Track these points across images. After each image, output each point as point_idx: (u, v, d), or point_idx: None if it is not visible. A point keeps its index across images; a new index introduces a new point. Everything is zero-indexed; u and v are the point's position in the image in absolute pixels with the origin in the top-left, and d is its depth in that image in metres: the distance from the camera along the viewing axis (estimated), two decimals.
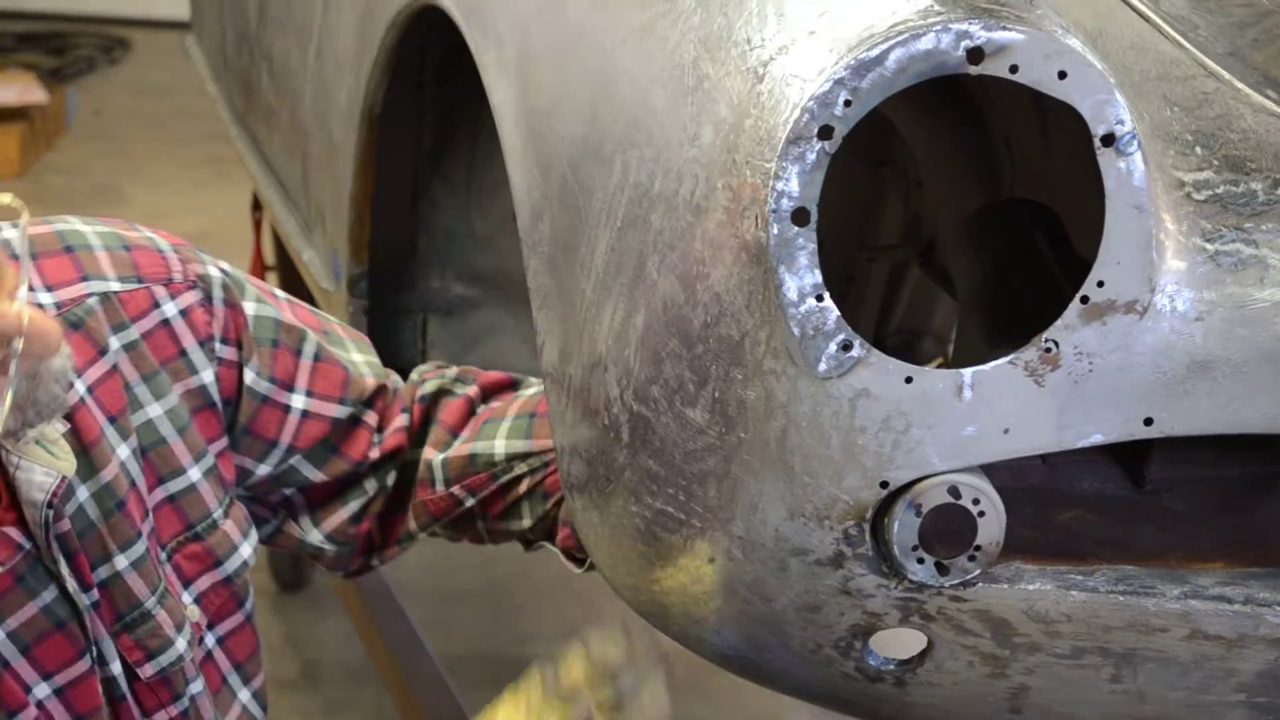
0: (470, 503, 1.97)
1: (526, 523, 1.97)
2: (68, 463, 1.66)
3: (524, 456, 1.94)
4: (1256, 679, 1.61)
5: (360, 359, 1.98)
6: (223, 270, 1.89)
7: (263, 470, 1.93)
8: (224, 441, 1.86)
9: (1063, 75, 1.40)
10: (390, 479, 2.00)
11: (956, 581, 1.54)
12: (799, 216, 1.41)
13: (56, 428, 1.67)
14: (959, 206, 1.88)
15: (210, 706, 1.83)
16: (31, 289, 1.60)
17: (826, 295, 1.43)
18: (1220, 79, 1.63)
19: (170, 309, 1.81)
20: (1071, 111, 1.41)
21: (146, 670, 1.76)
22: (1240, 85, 1.62)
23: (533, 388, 2.04)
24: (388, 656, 3.17)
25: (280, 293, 1.98)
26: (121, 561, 1.73)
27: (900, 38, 1.38)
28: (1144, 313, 1.46)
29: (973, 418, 1.47)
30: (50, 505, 1.64)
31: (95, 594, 1.72)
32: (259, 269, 4.20)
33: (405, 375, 2.08)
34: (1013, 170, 1.80)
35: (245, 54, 3.62)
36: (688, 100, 1.50)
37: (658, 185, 1.52)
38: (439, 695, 3.01)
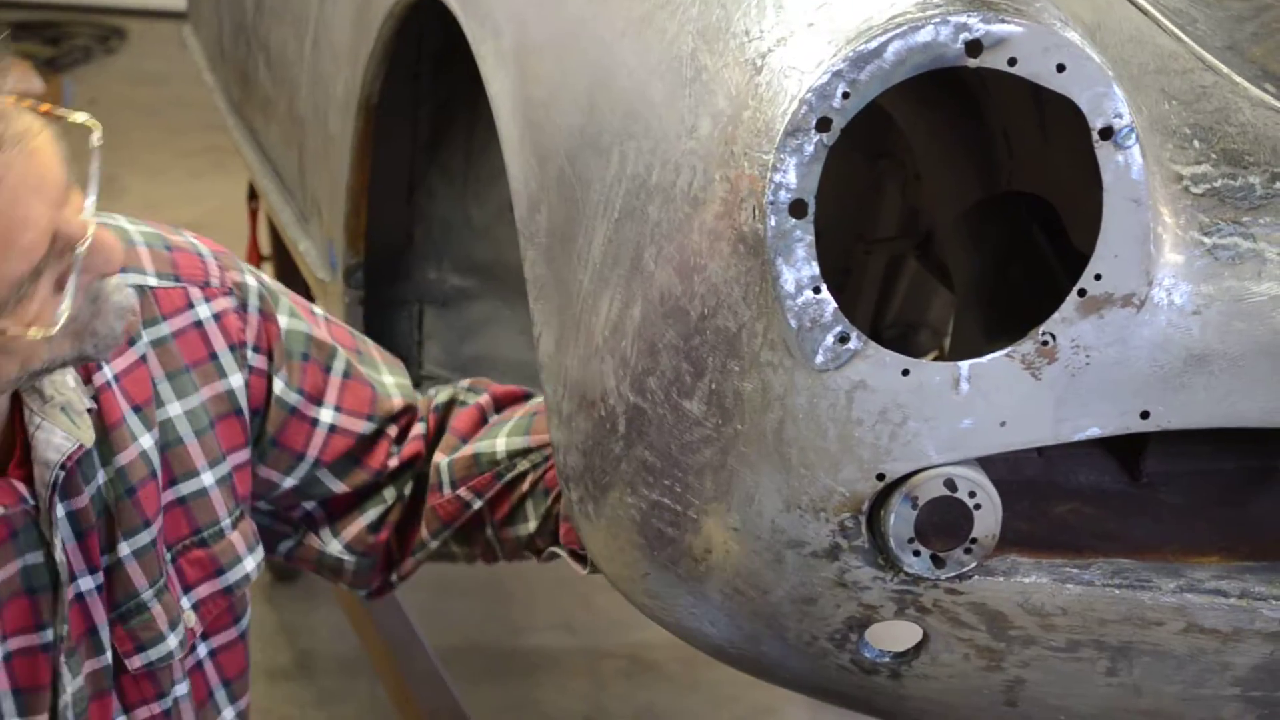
0: (477, 504, 1.97)
1: (532, 524, 1.97)
2: (87, 434, 1.68)
3: (525, 453, 1.95)
4: (1252, 672, 1.61)
5: (391, 381, 2.01)
6: (260, 281, 1.91)
7: (289, 483, 1.95)
8: (245, 454, 1.87)
9: (1061, 68, 1.40)
10: (408, 488, 2.01)
11: (952, 574, 1.54)
12: (797, 208, 1.41)
13: (85, 403, 1.69)
14: (957, 199, 1.88)
15: (191, 713, 1.83)
16: None
17: (824, 287, 1.43)
18: (1219, 73, 1.63)
19: (204, 311, 1.83)
20: (1070, 104, 1.41)
21: (134, 662, 1.76)
22: (1238, 79, 1.62)
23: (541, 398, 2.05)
24: (382, 647, 3.17)
25: (318, 310, 2.01)
26: (125, 549, 1.74)
27: (899, 30, 1.38)
28: (1141, 306, 1.46)
29: (969, 410, 1.47)
30: (63, 468, 1.65)
31: (100, 577, 1.73)
32: (255, 259, 4.20)
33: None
34: (1011, 163, 1.80)
35: (242, 44, 3.61)
36: (686, 92, 1.50)
37: (655, 177, 1.52)
38: (432, 686, 3.02)
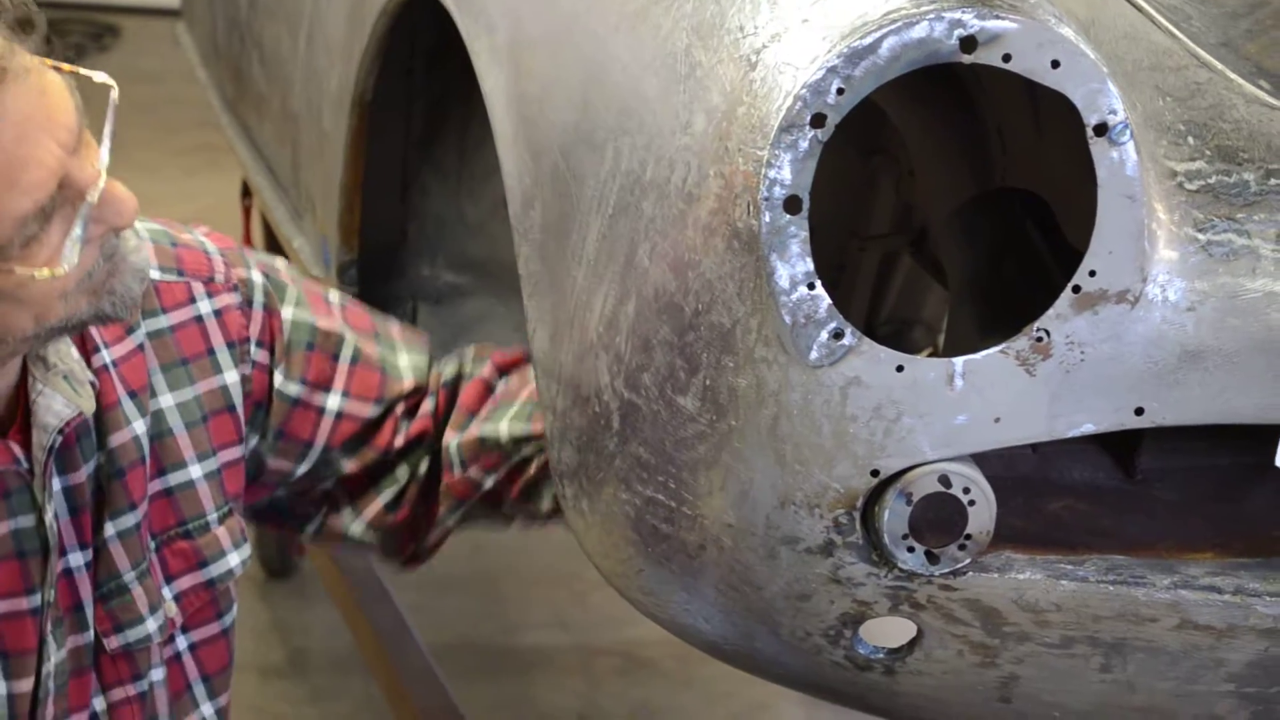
0: (489, 483, 1.98)
1: (546, 505, 1.98)
2: (88, 403, 1.69)
3: (528, 439, 1.95)
4: (1246, 669, 1.61)
5: (406, 362, 2.02)
6: (268, 275, 1.92)
7: (302, 469, 1.97)
8: (237, 452, 1.87)
9: (1056, 64, 1.40)
10: (423, 465, 2.02)
11: (946, 570, 1.54)
12: (791, 204, 1.41)
13: (88, 373, 1.71)
14: (951, 195, 1.88)
15: (166, 703, 1.83)
16: None
17: (818, 283, 1.43)
18: (1213, 69, 1.63)
19: (205, 307, 1.84)
20: (1064, 101, 1.41)
21: (112, 642, 1.77)
22: (1233, 76, 1.62)
23: None
24: (375, 644, 3.17)
25: (334, 296, 2.02)
26: (110, 529, 1.75)
27: (893, 26, 1.38)
28: (1135, 302, 1.46)
29: (964, 407, 1.47)
30: (61, 432, 1.66)
31: (90, 554, 1.74)
32: None
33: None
34: (1005, 159, 1.80)
35: (236, 41, 3.61)
36: (680, 88, 1.50)
37: (650, 173, 1.52)
38: (426, 683, 3.01)
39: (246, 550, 1.89)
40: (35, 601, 1.71)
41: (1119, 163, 1.42)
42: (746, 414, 1.49)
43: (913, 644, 1.61)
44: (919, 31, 1.38)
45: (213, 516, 1.84)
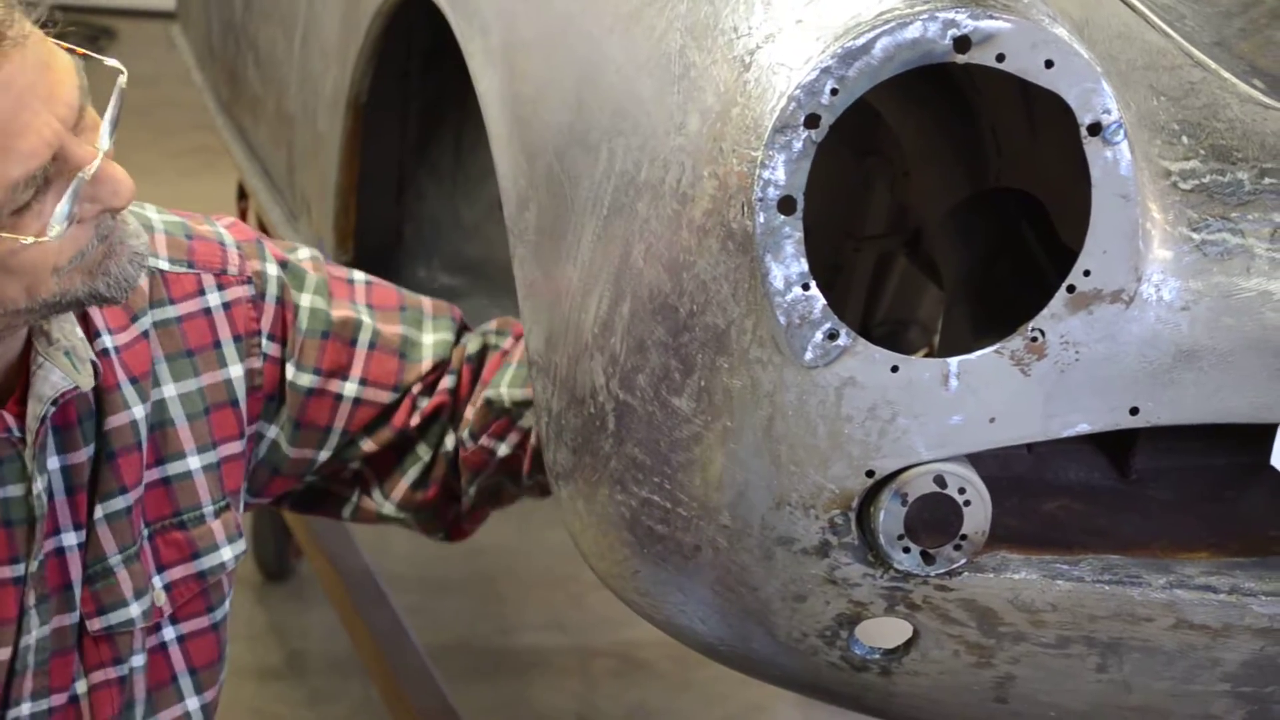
0: (502, 450, 1.98)
1: None
2: (86, 379, 1.70)
3: (527, 404, 1.95)
4: (1242, 668, 1.61)
5: (429, 340, 2.01)
6: (285, 265, 1.93)
7: (324, 455, 1.98)
8: (238, 447, 1.88)
9: (1049, 64, 1.40)
10: (447, 442, 2.02)
11: (942, 570, 1.54)
12: (785, 205, 1.41)
13: (91, 352, 1.72)
14: (946, 196, 1.88)
15: (144, 690, 1.83)
16: None
17: (813, 284, 1.43)
18: (1207, 68, 1.63)
19: (214, 299, 1.86)
20: (1058, 100, 1.41)
21: (94, 624, 1.78)
22: (1226, 75, 1.62)
23: None
24: (373, 646, 3.17)
25: (359, 276, 2.03)
26: (99, 512, 1.76)
27: (887, 26, 1.38)
28: (1130, 302, 1.46)
29: (959, 407, 1.47)
30: (55, 403, 1.68)
31: (83, 535, 1.75)
32: None
33: None
34: (999, 159, 1.80)
35: (231, 43, 3.61)
36: (674, 88, 1.50)
37: (644, 173, 1.52)
38: (424, 685, 3.01)
39: (241, 545, 1.90)
40: (18, 571, 1.71)
41: (1113, 162, 1.42)
42: (741, 415, 1.49)
43: (909, 644, 1.60)
44: (912, 32, 1.38)
45: (209, 509, 1.85)
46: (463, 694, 3.19)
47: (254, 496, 1.99)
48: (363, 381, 1.96)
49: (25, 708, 1.75)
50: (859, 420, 1.47)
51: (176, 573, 1.84)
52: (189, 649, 1.88)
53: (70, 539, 1.74)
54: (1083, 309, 1.45)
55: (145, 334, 1.79)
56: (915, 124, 1.97)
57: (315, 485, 2.05)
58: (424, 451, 2.02)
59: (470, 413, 1.99)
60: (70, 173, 1.54)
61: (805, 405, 1.47)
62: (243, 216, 4.19)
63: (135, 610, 1.79)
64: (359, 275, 2.04)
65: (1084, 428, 1.51)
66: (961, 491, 1.50)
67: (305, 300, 1.93)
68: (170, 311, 1.83)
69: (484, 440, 1.98)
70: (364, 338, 1.97)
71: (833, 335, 1.44)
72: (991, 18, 1.38)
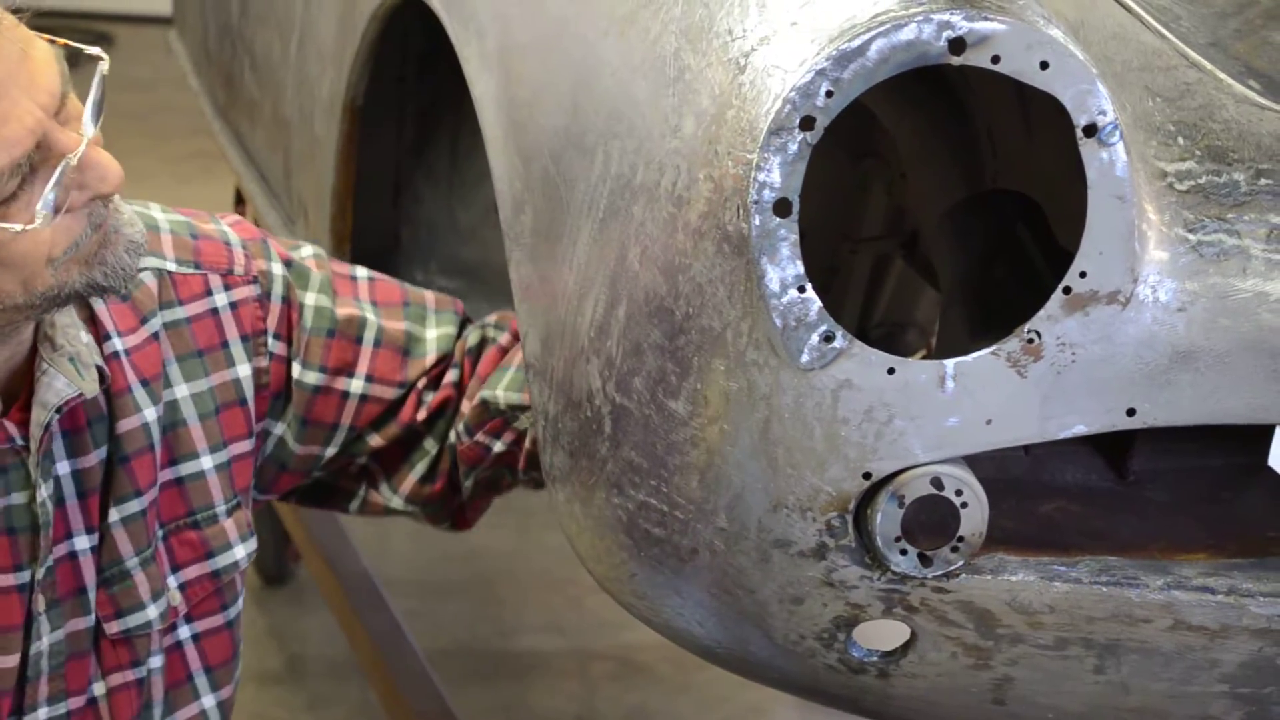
0: (497, 447, 1.99)
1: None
2: (90, 385, 1.70)
3: (523, 408, 1.96)
4: (1240, 670, 1.61)
5: (433, 335, 2.02)
6: (290, 264, 1.94)
7: (330, 451, 1.99)
8: (247, 445, 1.89)
9: (1045, 66, 1.40)
10: (452, 436, 2.02)
11: (939, 573, 1.54)
12: (781, 207, 1.41)
13: (96, 357, 1.72)
14: (942, 198, 1.88)
15: (161, 690, 1.84)
16: None
17: (809, 286, 1.43)
18: (1202, 69, 1.62)
19: (221, 299, 1.86)
20: (1054, 102, 1.41)
21: (112, 627, 1.78)
22: (1222, 76, 1.62)
23: None
24: (371, 650, 3.16)
25: (362, 272, 2.04)
26: (114, 515, 1.76)
27: (882, 28, 1.38)
28: (1126, 303, 1.46)
29: (955, 409, 1.47)
30: (59, 411, 1.67)
31: (96, 539, 1.75)
32: None
33: None
34: (995, 161, 1.80)
35: (227, 48, 3.61)
36: (669, 91, 1.50)
37: (639, 176, 1.51)
38: (423, 688, 3.01)
39: (253, 544, 1.91)
40: (24, 578, 1.71)
41: (1109, 163, 1.42)
42: (738, 418, 1.49)
43: (906, 647, 1.60)
44: (907, 34, 1.38)
45: (221, 509, 1.86)
46: (462, 697, 3.19)
47: (261, 493, 1.99)
48: (369, 378, 1.97)
49: (42, 712, 1.75)
50: (855, 422, 1.47)
51: (191, 572, 1.85)
52: (204, 647, 1.89)
53: (83, 543, 1.74)
54: (1079, 310, 1.45)
55: (155, 335, 1.80)
56: (911, 126, 1.97)
57: (322, 480, 2.06)
58: (431, 445, 2.03)
59: (466, 408, 2.00)
60: (55, 160, 1.54)
61: (802, 408, 1.47)
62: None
63: (153, 612, 1.80)
64: (362, 271, 2.04)
65: (1081, 429, 1.51)
66: (958, 493, 1.50)
67: (310, 299, 1.94)
68: (179, 313, 1.83)
69: (479, 437, 1.99)
70: (369, 335, 1.97)
71: (829, 338, 1.44)
72: (986, 19, 1.38)
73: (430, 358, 2.01)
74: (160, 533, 1.81)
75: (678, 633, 1.69)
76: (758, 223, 1.41)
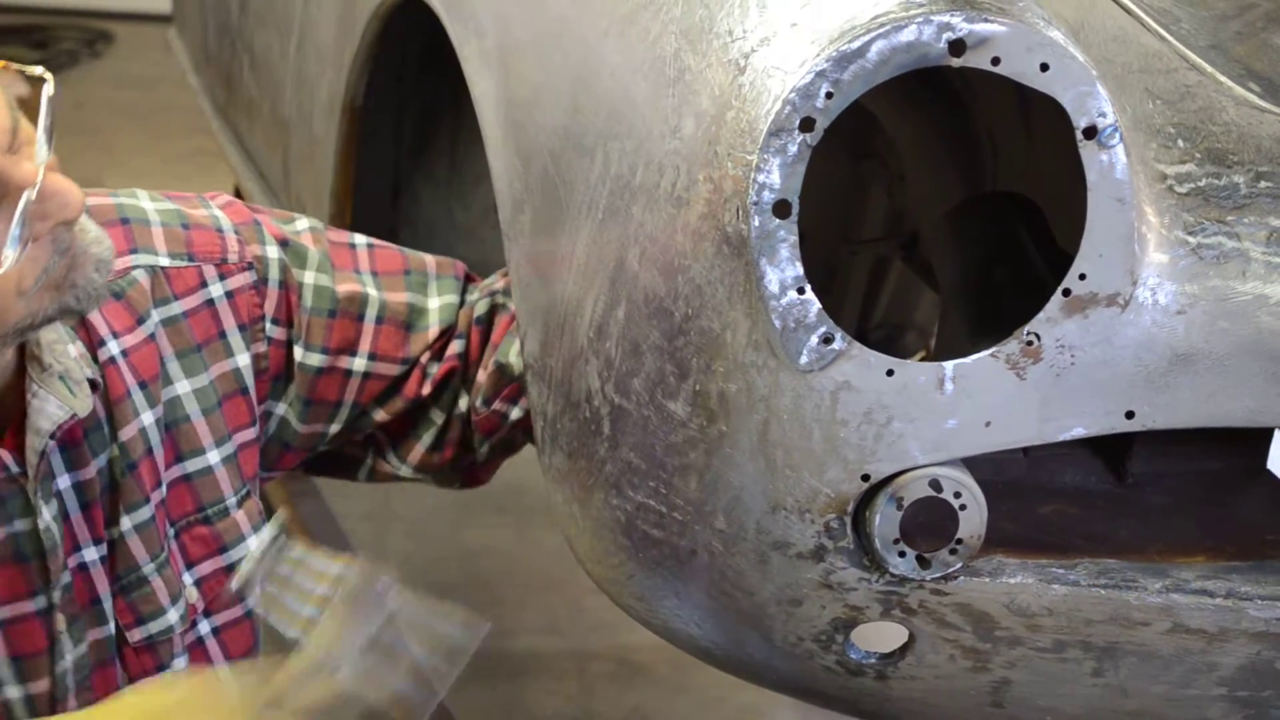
0: (515, 413, 1.97)
1: None
2: (83, 404, 1.68)
3: None
4: (1238, 673, 1.61)
5: (435, 305, 2.00)
6: (286, 243, 1.92)
7: (335, 428, 1.98)
8: (251, 433, 1.88)
9: (1045, 67, 1.39)
10: (461, 404, 2.01)
11: (938, 575, 1.54)
12: (780, 209, 1.41)
13: (85, 372, 1.70)
14: (942, 199, 1.88)
15: None
16: None
17: (808, 288, 1.43)
18: (1203, 72, 1.62)
19: (217, 290, 1.85)
20: (1054, 104, 1.41)
21: (135, 634, 1.77)
22: (1222, 78, 1.62)
23: None
24: None
25: (360, 239, 2.02)
26: (126, 523, 1.75)
27: (882, 29, 1.38)
28: (1126, 306, 1.46)
29: (954, 411, 1.47)
30: (53, 436, 1.66)
31: (104, 548, 1.74)
32: None
33: None
34: (995, 163, 1.80)
35: (227, 47, 3.61)
36: (669, 92, 1.50)
37: (639, 177, 1.51)
38: None
39: (265, 532, 1.90)
40: (41, 603, 1.71)
41: (1109, 166, 1.42)
42: (737, 419, 1.48)
43: (905, 649, 1.60)
44: (907, 35, 1.38)
45: (231, 501, 1.85)
46: (459, 697, 3.18)
47: (266, 471, 1.98)
48: (371, 356, 1.96)
49: None
50: (854, 424, 1.47)
51: (206, 568, 1.84)
52: (225, 640, 1.89)
53: (91, 554, 1.73)
54: (1078, 313, 1.45)
55: (152, 335, 1.78)
56: (911, 127, 1.97)
57: (328, 451, 2.05)
58: (437, 416, 2.02)
59: (482, 376, 1.98)
60: (15, 194, 1.50)
61: (800, 409, 1.47)
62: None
63: (174, 616, 1.80)
64: (360, 239, 2.02)
65: (1079, 432, 1.51)
66: (957, 495, 1.50)
67: (309, 278, 1.92)
68: (175, 308, 1.82)
69: (497, 405, 1.97)
70: (371, 312, 1.96)
71: (828, 339, 1.44)
72: (986, 21, 1.38)
73: (433, 330, 1.99)
74: (171, 531, 1.81)
75: (676, 634, 1.69)
76: (757, 224, 1.41)
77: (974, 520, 1.51)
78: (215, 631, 1.87)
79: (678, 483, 1.55)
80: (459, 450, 2.04)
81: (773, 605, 1.58)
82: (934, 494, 1.49)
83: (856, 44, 1.38)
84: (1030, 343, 1.46)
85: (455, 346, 2.00)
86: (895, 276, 2.64)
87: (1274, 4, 1.76)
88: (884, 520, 1.50)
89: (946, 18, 1.38)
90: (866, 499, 1.51)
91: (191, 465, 1.82)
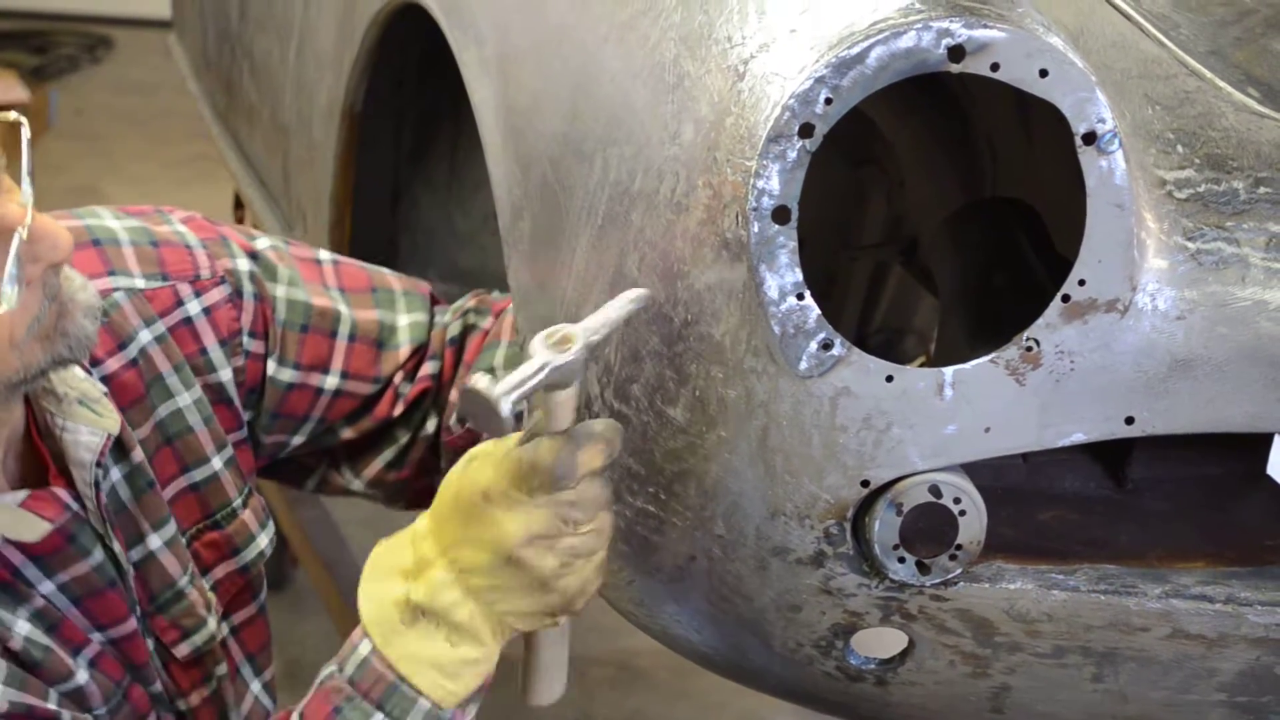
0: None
1: None
2: (111, 420, 1.68)
3: None
4: (1237, 678, 1.61)
5: (405, 322, 1.99)
6: (255, 260, 1.90)
7: (298, 440, 1.97)
8: (242, 433, 1.88)
9: (1044, 73, 1.39)
10: (428, 425, 2.00)
11: (938, 580, 1.54)
12: (780, 214, 1.41)
13: (98, 386, 1.69)
14: (941, 205, 1.88)
15: (231, 692, 1.85)
16: None
17: (807, 294, 1.43)
18: (1202, 77, 1.62)
19: (194, 307, 1.84)
20: (1053, 110, 1.41)
21: (182, 650, 1.78)
22: (1221, 84, 1.62)
23: None
24: None
25: (325, 255, 2.00)
26: (155, 541, 1.75)
27: (881, 35, 1.38)
28: (1125, 311, 1.46)
29: (954, 416, 1.47)
30: (99, 464, 1.66)
31: (131, 572, 1.73)
32: None
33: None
34: (994, 168, 1.80)
35: (226, 52, 3.61)
36: (669, 98, 1.50)
37: (638, 183, 1.51)
38: None
39: (271, 529, 1.92)
40: (138, 615, 1.73)
41: (1108, 171, 1.42)
42: (736, 425, 1.48)
43: (904, 654, 1.60)
44: (907, 41, 1.38)
45: (237, 501, 1.86)
46: None
47: None
48: (344, 375, 1.95)
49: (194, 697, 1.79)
50: (854, 430, 1.47)
51: (220, 571, 1.85)
52: (244, 638, 1.90)
53: (125, 562, 1.73)
54: (1078, 318, 1.45)
55: (135, 360, 1.77)
56: (910, 133, 1.97)
57: (280, 460, 2.03)
58: (402, 435, 2.01)
59: (455, 396, 1.97)
60: (7, 234, 1.49)
61: (800, 415, 1.47)
62: (240, 224, 4.19)
63: (213, 624, 1.81)
64: (325, 255, 2.01)
65: (1079, 437, 1.51)
66: (956, 501, 1.50)
67: (281, 291, 1.91)
68: (160, 327, 1.81)
69: (471, 423, 1.97)
70: (343, 329, 1.95)
71: (827, 345, 1.44)
72: (985, 27, 1.38)
73: (404, 350, 1.98)
74: (184, 540, 1.81)
75: (675, 639, 1.69)
76: (756, 230, 1.41)
77: (973, 526, 1.51)
78: (234, 630, 1.89)
79: (677, 488, 1.55)
80: (417, 471, 2.03)
81: (772, 611, 1.58)
82: (933, 500, 1.49)
83: (855, 50, 1.38)
84: (1030, 348, 1.46)
85: (429, 367, 1.99)
86: (894, 282, 2.64)
87: (1273, 10, 1.76)
88: (883, 526, 1.50)
89: (945, 23, 1.38)
90: (866, 505, 1.51)
91: (198, 474, 1.82)
